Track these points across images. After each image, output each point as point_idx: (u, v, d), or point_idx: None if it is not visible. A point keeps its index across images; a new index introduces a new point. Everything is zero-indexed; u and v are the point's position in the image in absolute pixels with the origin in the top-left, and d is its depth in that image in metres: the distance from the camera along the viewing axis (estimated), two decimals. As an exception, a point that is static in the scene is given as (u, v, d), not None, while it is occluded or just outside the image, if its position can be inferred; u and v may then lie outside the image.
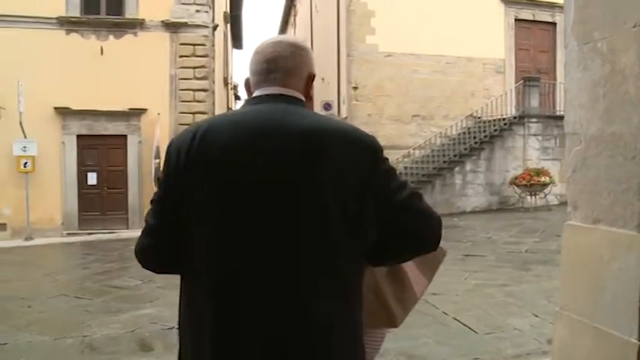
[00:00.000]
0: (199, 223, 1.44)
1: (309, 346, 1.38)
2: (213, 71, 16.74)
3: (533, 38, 19.33)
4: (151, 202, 1.55)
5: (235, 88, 34.44)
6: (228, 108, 30.50)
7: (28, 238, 14.41)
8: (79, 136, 15.52)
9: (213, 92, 16.64)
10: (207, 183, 1.43)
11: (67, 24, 15.38)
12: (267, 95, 1.58)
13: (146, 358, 5.10)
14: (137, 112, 15.69)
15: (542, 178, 15.56)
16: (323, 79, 22.91)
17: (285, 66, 1.60)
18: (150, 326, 5.94)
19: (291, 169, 1.40)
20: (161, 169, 1.64)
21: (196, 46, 15.90)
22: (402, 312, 2.11)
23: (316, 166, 1.40)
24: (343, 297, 1.43)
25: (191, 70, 15.86)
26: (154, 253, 1.57)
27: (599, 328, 2.73)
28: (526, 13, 19.06)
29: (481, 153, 16.60)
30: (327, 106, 19.76)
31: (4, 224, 15.05)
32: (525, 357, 4.52)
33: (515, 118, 16.84)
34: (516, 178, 15.93)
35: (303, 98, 1.61)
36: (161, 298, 7.12)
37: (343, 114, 19.10)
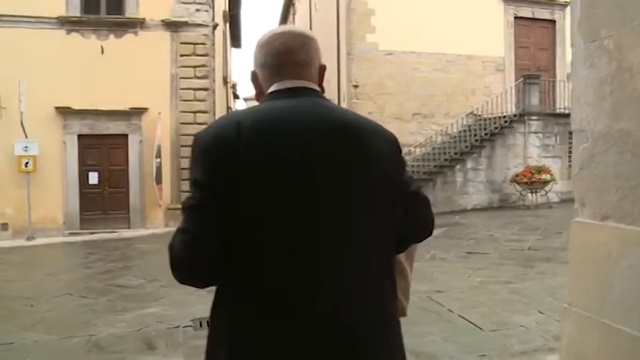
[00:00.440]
0: (259, 222, 1.35)
1: (386, 329, 1.50)
2: (214, 70, 16.75)
3: (533, 36, 19.34)
4: (188, 207, 1.39)
5: (234, 87, 34.44)
6: (228, 107, 30.51)
7: (29, 238, 14.44)
8: (80, 136, 15.52)
9: (213, 91, 16.67)
10: (267, 181, 1.36)
11: (67, 24, 15.38)
12: (289, 89, 1.54)
13: (153, 357, 5.11)
14: (138, 112, 15.69)
15: (543, 176, 15.58)
16: (323, 78, 22.96)
17: (298, 58, 1.57)
18: (156, 325, 5.96)
19: (346, 164, 1.43)
20: (195, 168, 1.41)
21: (197, 45, 15.91)
22: (405, 301, 2.24)
23: (367, 160, 1.46)
24: (394, 281, 1.56)
25: (192, 69, 15.87)
26: (202, 265, 1.37)
27: (608, 323, 2.75)
28: (525, 11, 19.07)
29: (482, 151, 16.62)
30: (328, 105, 19.77)
31: (6, 224, 15.06)
32: (532, 353, 4.54)
33: (515, 115, 16.85)
34: (517, 175, 15.95)
35: (320, 90, 1.61)
36: (166, 297, 7.14)
37: (343, 112, 19.11)
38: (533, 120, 16.86)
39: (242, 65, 52.46)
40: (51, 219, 15.20)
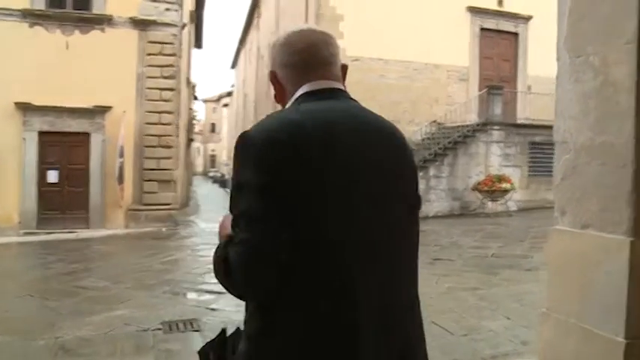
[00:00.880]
0: (320, 226, 1.33)
1: (420, 329, 1.55)
2: (180, 70, 16.61)
3: (497, 47, 19.77)
4: (246, 216, 1.31)
5: (194, 88, 34.14)
6: (190, 108, 30.23)
7: (-18, 237, 14.00)
8: (40, 133, 15.16)
9: (179, 92, 16.51)
10: (327, 184, 1.35)
11: (30, 17, 15.02)
12: (323, 90, 1.52)
13: (123, 360, 5.05)
14: (102, 110, 15.44)
15: (504, 185, 15.92)
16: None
17: (323, 57, 1.56)
18: (124, 328, 5.85)
19: (389, 167, 1.48)
20: (249, 173, 1.33)
21: (164, 45, 15.77)
22: None
23: (404, 162, 1.53)
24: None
25: (158, 68, 15.72)
26: (266, 276, 1.30)
27: (587, 328, 2.84)
28: (490, 23, 19.48)
29: (445, 159, 16.86)
30: (293, 109, 19.81)
31: (-42, 222, 14.60)
32: (502, 357, 4.65)
33: (478, 125, 17.17)
34: (479, 183, 16.26)
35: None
36: (133, 300, 7.05)
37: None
38: (496, 130, 17.21)
39: (202, 66, 52.05)
40: (6, 218, 14.77)
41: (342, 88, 1.59)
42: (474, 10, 19.19)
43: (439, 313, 6.03)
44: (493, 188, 15.92)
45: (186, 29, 18.90)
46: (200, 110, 68.30)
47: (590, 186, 2.92)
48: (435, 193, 16.73)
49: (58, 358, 5.05)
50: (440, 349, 4.91)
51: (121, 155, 15.03)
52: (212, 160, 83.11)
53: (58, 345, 5.34)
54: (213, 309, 6.51)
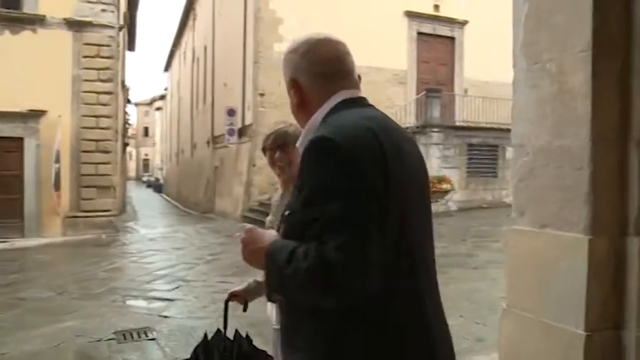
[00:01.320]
0: (403, 225, 1.40)
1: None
2: (118, 73, 16.23)
3: (434, 51, 20.24)
4: (344, 219, 1.28)
5: (127, 91, 33.45)
6: (125, 112, 29.57)
7: None
8: (-30, 138, 14.48)
9: (117, 95, 16.14)
10: (403, 184, 1.41)
11: (-44, 16, 14.34)
12: (360, 98, 1.60)
13: (78, 373, 4.91)
14: (36, 114, 14.89)
15: (444, 186, 16.31)
16: (225, 84, 22.80)
17: (347, 66, 1.62)
18: (76, 340, 5.65)
19: (423, 168, 1.61)
20: (343, 178, 1.32)
21: (101, 47, 15.35)
22: None
23: (424, 165, 1.63)
24: None
25: (95, 71, 15.30)
26: (373, 278, 1.29)
27: (547, 322, 2.96)
28: (427, 27, 19.93)
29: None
30: (231, 112, 19.69)
31: None
32: (461, 354, 4.76)
33: (418, 127, 17.52)
34: (419, 185, 16.54)
35: None
36: (80, 310, 6.83)
37: (248, 121, 19.08)
38: (435, 132, 17.58)
39: (135, 69, 50.94)
40: None
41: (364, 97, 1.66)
42: (411, 15, 19.59)
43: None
44: (434, 189, 16.25)
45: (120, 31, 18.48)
46: (132, 114, 66.77)
47: (547, 187, 3.05)
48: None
49: (6, 375, 4.88)
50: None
51: (57, 161, 14.55)
52: (145, 165, 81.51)
53: (4, 360, 5.14)
54: (165, 316, 6.41)
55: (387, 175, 1.36)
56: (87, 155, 15.26)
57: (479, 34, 19.51)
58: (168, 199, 39.30)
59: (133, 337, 5.65)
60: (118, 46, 16.19)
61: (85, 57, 15.23)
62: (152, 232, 16.27)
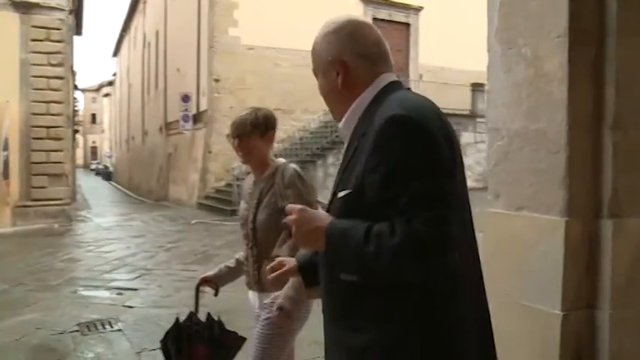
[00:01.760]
0: (467, 204, 1.51)
1: None
2: (69, 58, 15.73)
3: (389, 37, 20.04)
4: (435, 196, 1.32)
5: (74, 76, 32.52)
6: (74, 97, 28.76)
7: None
8: None
9: (68, 80, 15.65)
10: (462, 164, 1.51)
11: None
12: (400, 82, 1.61)
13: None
14: (-20, 100, 14.28)
15: (400, 171, 16.46)
16: (179, 70, 22.43)
17: (388, 50, 1.64)
18: (37, 333, 5.50)
19: None
20: (425, 155, 1.35)
21: (51, 30, 14.81)
22: None
23: None
24: None
25: (45, 55, 14.78)
26: (455, 252, 1.34)
27: (526, 304, 3.02)
28: (383, 13, 20.02)
29: (342, 147, 17.11)
30: (186, 98, 19.39)
31: None
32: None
33: (373, 113, 17.59)
34: (376, 170, 16.67)
35: None
36: (39, 302, 6.65)
37: (203, 106, 18.84)
38: (390, 117, 17.71)
39: (82, 54, 49.40)
40: None
41: None
42: (367, 1, 19.64)
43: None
44: (390, 174, 16.42)
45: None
46: (79, 100, 64.98)
47: (523, 170, 3.10)
48: (333, 181, 16.98)
49: (-33, 369, 4.71)
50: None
51: (6, 148, 14.06)
52: (93, 152, 79.74)
53: (-35, 355, 4.96)
54: (130, 306, 6.30)
55: (454, 152, 1.43)
56: (37, 142, 14.79)
57: (434, 21, 19.72)
58: (119, 187, 38.59)
59: (97, 329, 5.53)
60: (69, 30, 15.64)
61: (34, 40, 14.69)
62: (106, 221, 15.92)
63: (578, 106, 2.84)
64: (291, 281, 2.50)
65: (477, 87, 18.93)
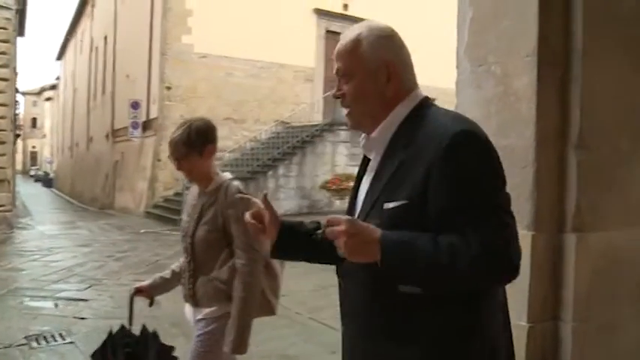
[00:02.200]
0: None
1: None
2: (14, 59, 15.24)
3: (341, 50, 20.46)
4: (505, 209, 1.41)
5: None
6: (15, 101, 27.87)
7: None
8: None
9: (12, 82, 15.16)
10: None
11: None
12: (429, 98, 1.62)
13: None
14: None
15: (352, 183, 16.54)
16: (128, 76, 22.05)
17: None
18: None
19: None
20: (493, 168, 1.43)
21: (-5, 30, 14.31)
22: (275, 300, 2.74)
23: None
24: None
25: (-11, 56, 14.23)
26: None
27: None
28: (335, 26, 20.16)
29: (293, 158, 17.16)
30: (135, 105, 19.07)
31: None
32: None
33: (326, 125, 17.71)
34: (327, 182, 16.77)
35: None
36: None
37: (153, 114, 18.56)
38: (342, 130, 17.83)
39: (24, 56, 47.90)
40: None
41: None
42: (320, 13, 19.77)
43: (316, 310, 6.19)
44: (341, 187, 16.49)
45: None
46: (20, 103, 62.89)
47: (491, 185, 3.17)
48: (284, 192, 16.98)
49: None
50: (328, 345, 5.04)
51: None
52: (33, 158, 77.25)
53: None
54: (81, 318, 6.10)
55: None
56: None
57: (384, 36, 20.04)
58: (61, 194, 37.45)
59: (47, 341, 5.32)
60: (15, 30, 15.17)
61: (-23, 41, 14.15)
62: (50, 229, 15.40)
63: (545, 124, 2.92)
64: (232, 316, 2.52)
65: (426, 102, 19.29)
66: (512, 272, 1.35)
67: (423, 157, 1.39)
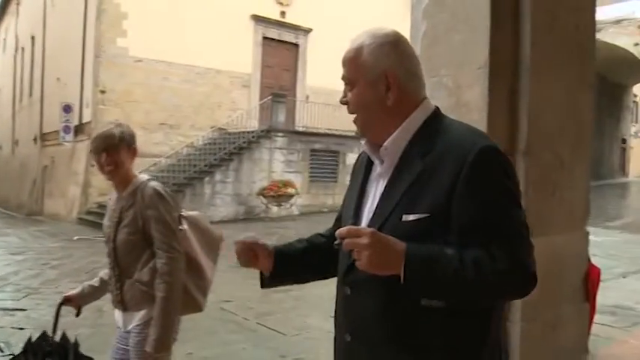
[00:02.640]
0: None
1: None
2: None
3: (278, 57, 20.57)
4: (525, 224, 1.41)
5: None
6: None
7: None
8: None
9: None
10: None
11: None
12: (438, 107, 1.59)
13: None
14: None
15: (289, 190, 16.66)
16: (59, 79, 21.37)
17: None
18: None
19: None
20: (515, 184, 1.44)
21: None
22: (202, 297, 2.79)
23: None
24: None
25: None
26: None
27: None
28: (273, 33, 20.21)
29: (230, 164, 17.06)
30: (67, 109, 18.51)
31: None
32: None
33: (263, 131, 17.70)
34: (264, 189, 16.77)
35: None
36: None
37: (86, 118, 18.06)
38: (279, 137, 17.89)
39: None
40: None
41: None
42: (258, 19, 19.76)
43: (263, 315, 6.21)
44: (279, 193, 16.54)
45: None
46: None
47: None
48: (220, 198, 16.85)
49: None
50: (277, 350, 5.08)
51: None
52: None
53: None
54: (20, 328, 5.87)
55: None
56: None
57: (322, 43, 20.22)
58: (-19, 200, 35.78)
59: None
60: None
61: None
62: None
63: (496, 133, 3.07)
64: (154, 316, 2.54)
65: (362, 110, 19.56)
66: (534, 285, 1.37)
67: (445, 169, 1.39)
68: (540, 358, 3.32)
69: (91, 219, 15.69)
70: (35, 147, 24.35)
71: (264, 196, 16.82)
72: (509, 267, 1.32)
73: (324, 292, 7.40)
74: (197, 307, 2.80)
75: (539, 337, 3.31)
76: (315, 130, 18.73)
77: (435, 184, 1.39)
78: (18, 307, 6.53)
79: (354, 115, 1.57)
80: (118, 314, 2.74)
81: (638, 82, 38.74)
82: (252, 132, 17.68)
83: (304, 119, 19.31)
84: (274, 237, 12.90)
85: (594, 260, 3.60)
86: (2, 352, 5.19)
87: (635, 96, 43.11)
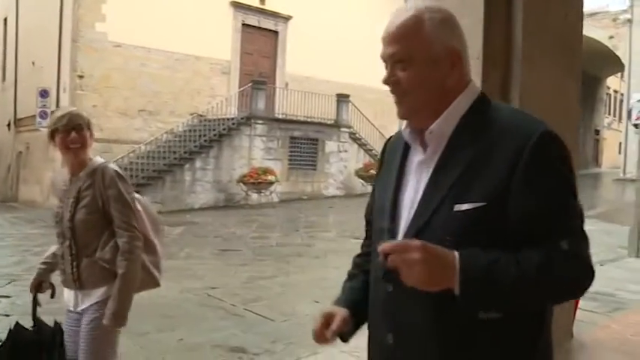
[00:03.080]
0: None
1: None
2: None
3: (258, 44, 20.50)
4: (582, 214, 1.30)
5: None
6: None
7: None
8: None
9: None
10: None
11: None
12: None
13: None
14: None
15: (269, 177, 16.69)
16: (34, 63, 21.04)
17: None
18: None
19: None
20: (573, 172, 1.33)
21: None
22: (158, 273, 2.90)
23: None
24: None
25: None
26: None
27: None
28: (252, 19, 20.13)
29: (210, 151, 17.02)
30: (44, 94, 18.25)
31: None
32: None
33: (242, 119, 17.65)
34: (244, 176, 16.78)
35: None
36: None
37: (64, 103, 17.81)
38: (259, 124, 17.86)
39: None
40: None
41: None
42: (237, 6, 19.66)
43: (250, 302, 6.26)
44: (259, 180, 16.57)
45: None
46: None
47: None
48: (200, 185, 16.83)
49: None
50: (268, 335, 5.14)
51: None
52: None
53: None
54: (6, 315, 5.81)
55: None
56: None
57: (302, 30, 20.18)
58: (-47, 187, 35.12)
59: None
60: None
61: None
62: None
63: (489, 123, 3.15)
64: (114, 291, 2.59)
65: (342, 97, 19.61)
66: (592, 282, 1.29)
67: (501, 155, 1.27)
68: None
69: (69, 205, 15.55)
70: (9, 133, 23.95)
71: (244, 184, 16.83)
72: (573, 264, 1.25)
73: (308, 278, 7.54)
74: (155, 283, 2.89)
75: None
76: (294, 118, 18.74)
77: (490, 171, 1.28)
78: (2, 294, 6.48)
79: (400, 97, 1.40)
80: (69, 294, 2.77)
81: (611, 75, 39.39)
82: (232, 119, 17.63)
83: (284, 107, 19.29)
84: (254, 224, 12.95)
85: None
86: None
87: (609, 88, 43.84)
